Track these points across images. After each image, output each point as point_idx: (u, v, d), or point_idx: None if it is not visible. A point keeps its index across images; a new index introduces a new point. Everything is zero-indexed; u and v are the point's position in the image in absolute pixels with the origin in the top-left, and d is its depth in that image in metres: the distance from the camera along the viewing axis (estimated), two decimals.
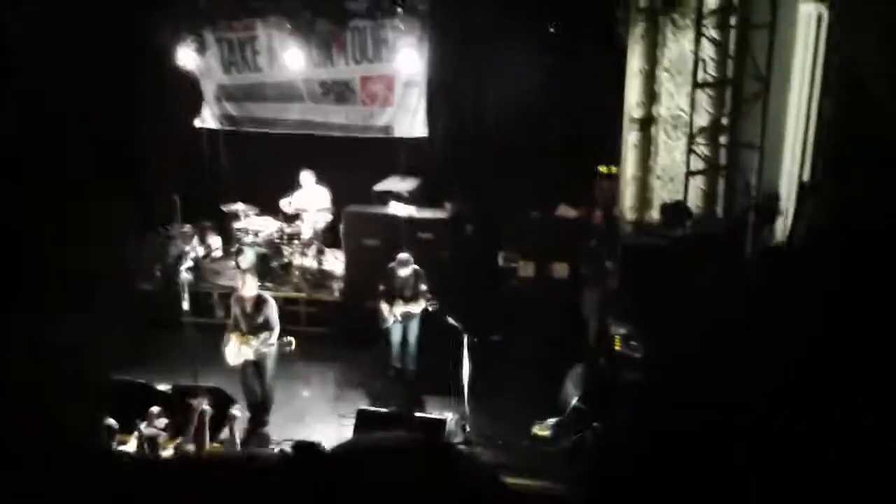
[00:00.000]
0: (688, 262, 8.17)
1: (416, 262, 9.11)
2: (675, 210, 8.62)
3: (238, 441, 7.00)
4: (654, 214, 8.91)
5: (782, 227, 7.84)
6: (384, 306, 8.39)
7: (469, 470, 1.91)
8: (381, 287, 8.49)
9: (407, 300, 8.33)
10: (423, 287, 8.33)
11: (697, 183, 8.75)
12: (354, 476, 1.68)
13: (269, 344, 7.75)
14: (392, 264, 8.44)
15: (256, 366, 7.87)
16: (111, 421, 6.86)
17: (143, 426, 6.78)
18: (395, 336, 8.52)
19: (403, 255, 8.42)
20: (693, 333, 7.72)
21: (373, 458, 1.80)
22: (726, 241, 8.33)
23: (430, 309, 8.20)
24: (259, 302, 7.80)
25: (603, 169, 10.12)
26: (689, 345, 7.62)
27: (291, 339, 7.96)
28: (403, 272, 8.34)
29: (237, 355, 7.74)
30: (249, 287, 7.79)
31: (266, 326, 7.74)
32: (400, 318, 8.41)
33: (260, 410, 8.04)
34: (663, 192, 8.87)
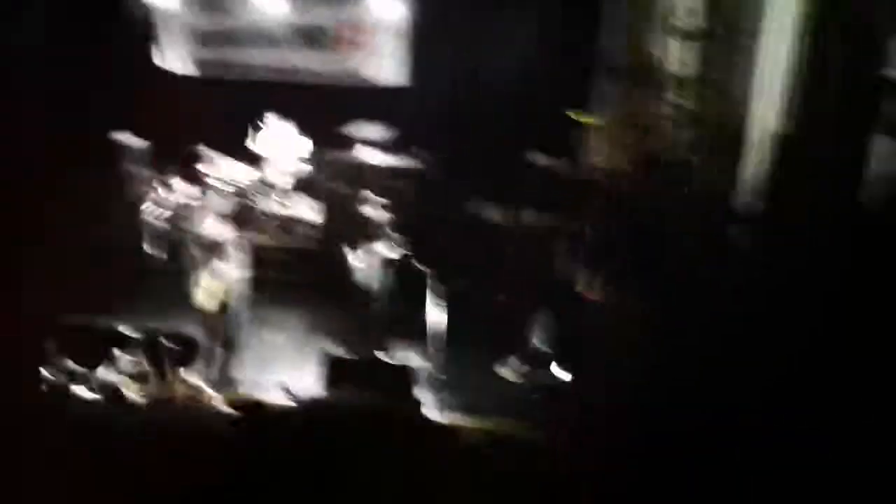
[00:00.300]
0: (656, 212, 8.19)
1: (387, 210, 9.07)
2: (648, 159, 8.60)
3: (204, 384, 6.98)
4: (628, 164, 8.87)
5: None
6: (350, 249, 8.33)
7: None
8: (346, 232, 8.42)
9: (371, 241, 8.26)
10: (389, 232, 8.26)
11: (667, 132, 8.71)
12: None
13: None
14: (359, 196, 8.37)
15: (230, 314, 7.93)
16: (72, 364, 6.84)
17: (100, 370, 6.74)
18: (361, 280, 8.44)
19: (367, 194, 8.33)
20: (664, 280, 7.78)
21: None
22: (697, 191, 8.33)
23: (397, 247, 8.15)
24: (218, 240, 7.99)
25: (574, 115, 10.05)
26: (657, 291, 7.67)
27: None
28: (369, 210, 8.25)
29: (210, 299, 7.77)
30: (214, 226, 8.10)
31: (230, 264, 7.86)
32: (365, 262, 8.32)
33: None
34: (633, 141, 8.83)
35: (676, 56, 8.54)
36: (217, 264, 7.77)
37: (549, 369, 7.44)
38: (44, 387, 6.63)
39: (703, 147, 8.57)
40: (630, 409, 6.78)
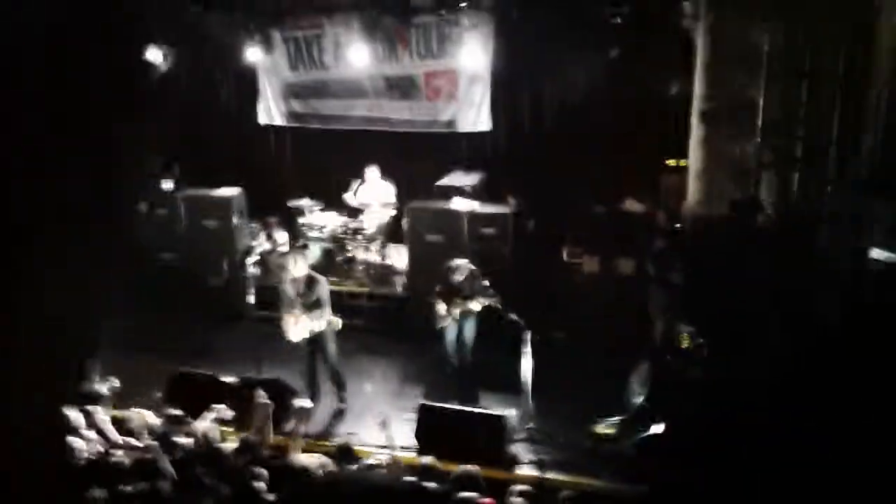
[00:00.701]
0: (758, 259, 7.94)
1: (478, 258, 9.06)
2: (746, 205, 8.38)
3: (302, 433, 7.05)
4: (723, 209, 8.65)
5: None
6: (440, 306, 8.30)
7: None
8: (438, 287, 8.41)
9: (464, 299, 8.21)
10: (483, 283, 8.23)
11: (769, 177, 8.48)
12: None
13: (323, 319, 7.98)
14: (448, 264, 8.34)
15: (317, 345, 8.15)
16: (178, 412, 7.03)
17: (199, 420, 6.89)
18: (450, 335, 8.39)
19: (456, 262, 8.27)
20: (762, 333, 7.51)
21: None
22: (799, 238, 8.05)
23: (491, 305, 8.10)
24: (311, 281, 8.06)
25: (671, 162, 9.91)
26: (757, 345, 7.40)
27: (338, 319, 8.10)
28: (458, 277, 8.19)
29: (297, 331, 7.98)
30: (300, 268, 8.03)
31: (318, 304, 7.98)
32: (457, 317, 8.29)
33: (318, 391, 8.34)
34: (732, 187, 8.61)
35: (774, 98, 8.35)
36: (302, 298, 7.99)
37: (646, 424, 7.23)
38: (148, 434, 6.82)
39: (806, 193, 8.32)
40: (728, 466, 6.53)
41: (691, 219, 9.01)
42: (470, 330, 8.37)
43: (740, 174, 8.63)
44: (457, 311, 8.24)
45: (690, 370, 7.55)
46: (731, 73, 8.57)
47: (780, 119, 8.34)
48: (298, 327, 7.98)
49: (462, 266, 8.24)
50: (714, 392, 7.43)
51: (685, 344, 7.83)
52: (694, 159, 9.02)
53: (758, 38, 8.26)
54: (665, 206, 9.84)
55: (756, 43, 8.29)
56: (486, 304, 8.11)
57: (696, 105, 8.88)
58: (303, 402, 7.40)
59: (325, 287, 8.09)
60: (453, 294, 8.25)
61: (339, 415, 8.25)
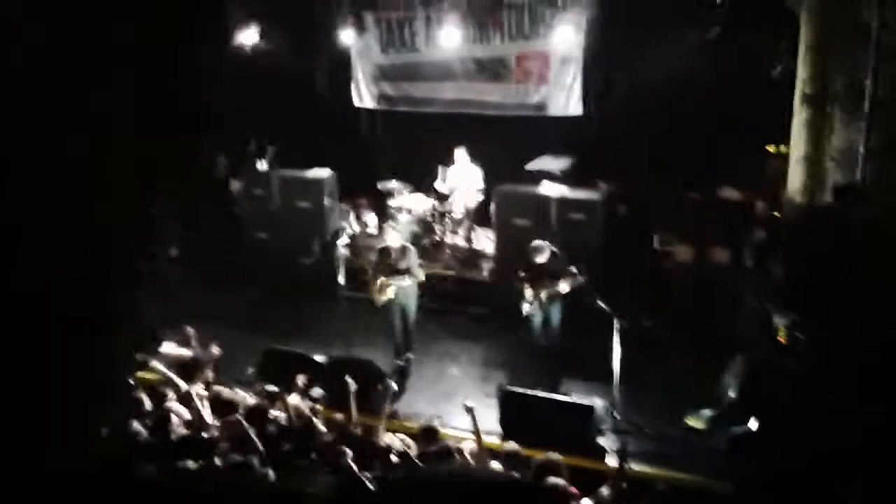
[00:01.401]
0: (861, 250, 7.58)
1: (567, 243, 8.95)
2: (849, 193, 7.99)
3: (388, 413, 7.13)
4: (826, 197, 8.29)
5: None
6: (527, 291, 8.26)
7: None
8: (521, 273, 8.34)
9: (549, 281, 8.13)
10: (568, 267, 8.13)
11: (876, 164, 8.06)
12: None
13: (412, 280, 8.56)
14: (530, 245, 8.27)
15: (401, 307, 8.69)
16: (272, 387, 7.20)
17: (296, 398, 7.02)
18: (537, 320, 8.34)
19: (536, 243, 8.22)
20: (864, 327, 7.18)
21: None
22: None
23: (579, 286, 7.98)
24: (403, 250, 8.63)
25: (772, 148, 9.53)
26: (856, 340, 7.08)
27: (421, 272, 8.72)
28: (540, 259, 8.15)
29: (383, 294, 8.55)
30: (393, 238, 8.68)
31: (407, 271, 8.52)
32: (544, 300, 8.23)
33: (402, 349, 8.82)
34: (836, 174, 8.23)
35: (883, 80, 7.91)
36: (393, 265, 8.56)
37: (739, 418, 7.03)
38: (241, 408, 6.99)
39: None
40: (823, 464, 6.30)
41: (791, 207, 8.66)
42: (556, 314, 8.31)
43: (844, 161, 8.24)
44: (543, 295, 8.17)
45: (787, 364, 7.29)
46: (836, 54, 8.16)
47: (888, 102, 7.90)
48: (386, 290, 8.48)
49: (543, 246, 8.18)
50: (810, 388, 7.16)
51: (782, 337, 7.57)
52: (796, 145, 8.65)
53: (865, 15, 7.83)
54: (765, 193, 9.49)
55: (863, 20, 7.86)
56: (573, 286, 8.00)
57: (800, 88, 8.49)
58: (389, 383, 7.48)
59: (414, 256, 8.63)
60: (537, 278, 8.18)
61: (427, 396, 8.31)
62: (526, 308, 8.33)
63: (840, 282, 7.55)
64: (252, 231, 11.22)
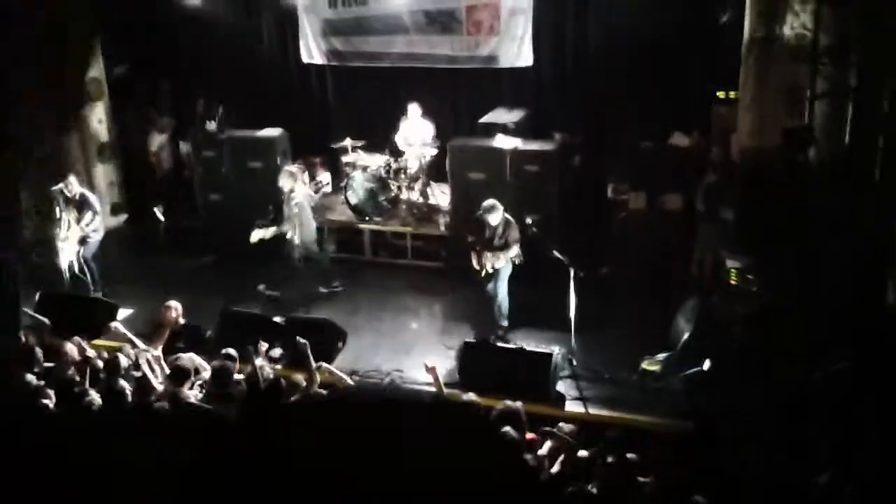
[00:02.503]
0: (810, 193, 7.73)
1: (522, 195, 8.97)
2: (797, 136, 8.11)
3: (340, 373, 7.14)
4: (775, 141, 8.40)
5: None
6: (474, 258, 8.18)
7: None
8: (470, 238, 8.27)
9: (496, 250, 8.06)
10: (515, 235, 8.05)
11: (822, 107, 8.18)
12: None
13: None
14: (479, 212, 8.16)
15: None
16: (232, 351, 7.15)
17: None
18: (489, 287, 8.29)
19: (489, 202, 8.15)
20: (814, 268, 7.34)
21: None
22: (853, 169, 7.79)
23: (531, 232, 8.01)
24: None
25: (721, 94, 9.60)
26: (809, 280, 7.25)
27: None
28: (493, 219, 8.04)
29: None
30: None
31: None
32: (490, 270, 8.14)
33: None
34: (785, 117, 8.33)
35: (828, 24, 7.99)
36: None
37: (693, 360, 7.18)
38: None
39: (860, 123, 8.01)
40: (776, 402, 6.49)
41: (741, 151, 8.77)
42: (502, 287, 8.23)
43: (792, 105, 8.34)
44: (489, 264, 8.11)
45: (739, 306, 7.46)
46: None
47: (833, 45, 7.99)
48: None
49: (496, 205, 8.08)
50: (763, 328, 7.34)
51: (734, 280, 7.72)
52: (744, 90, 8.73)
53: None
54: (715, 139, 9.59)
55: None
56: (531, 238, 8.01)
57: (748, 33, 8.54)
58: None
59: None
60: (486, 244, 8.10)
61: (386, 352, 8.35)
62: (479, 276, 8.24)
63: (790, 223, 7.71)
64: (205, 194, 11.04)
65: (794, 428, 6.19)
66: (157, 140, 12.28)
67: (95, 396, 6.13)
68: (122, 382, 6.43)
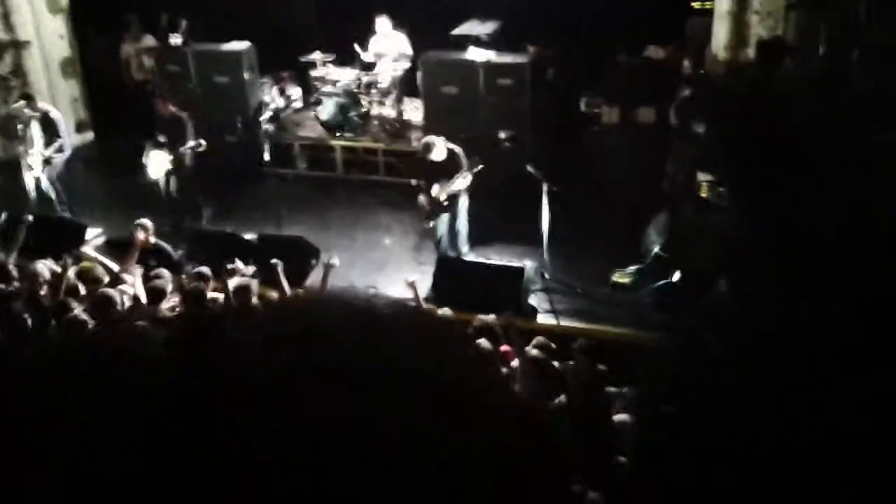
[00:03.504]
0: (785, 104, 7.70)
1: (495, 110, 8.85)
2: (773, 48, 8.04)
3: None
4: (751, 53, 8.33)
5: None
6: (422, 199, 7.95)
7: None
8: (414, 182, 8.07)
9: (449, 186, 7.80)
10: (464, 163, 7.79)
11: (797, 17, 8.09)
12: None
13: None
14: (420, 154, 7.93)
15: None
16: (205, 269, 7.10)
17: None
18: (442, 227, 8.10)
19: (428, 139, 7.91)
20: (786, 183, 7.39)
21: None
22: (828, 81, 7.76)
23: (505, 147, 7.91)
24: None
25: (696, 4, 9.46)
26: (779, 195, 7.31)
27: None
28: (437, 156, 7.77)
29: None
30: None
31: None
32: (444, 204, 7.91)
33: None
34: (760, 29, 8.24)
35: None
36: None
37: (663, 273, 7.28)
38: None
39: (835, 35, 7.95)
40: (745, 314, 6.59)
41: (715, 64, 8.69)
42: (462, 221, 8.08)
43: (767, 16, 8.24)
44: (442, 197, 7.90)
45: (709, 219, 7.51)
46: None
47: None
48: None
49: (436, 142, 7.81)
50: (732, 240, 7.41)
51: (704, 193, 7.76)
52: (719, 1, 8.60)
53: None
54: (689, 51, 9.48)
55: None
56: (503, 152, 7.91)
57: None
58: (331, 258, 7.37)
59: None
60: (432, 180, 7.87)
61: (360, 269, 8.35)
62: (427, 222, 8.11)
63: (763, 137, 7.71)
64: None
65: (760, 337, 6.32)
66: (130, 49, 11.90)
67: (80, 311, 6.07)
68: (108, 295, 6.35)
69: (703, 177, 7.79)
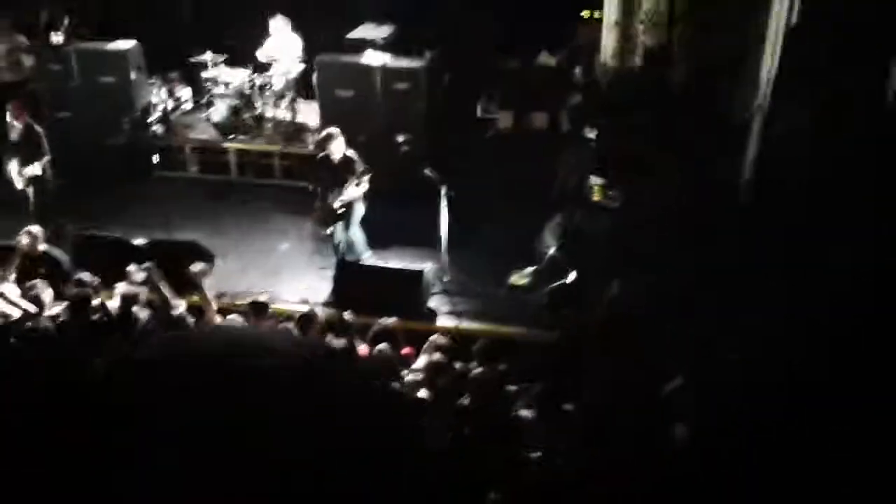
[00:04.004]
0: (670, 109, 8.04)
1: (392, 114, 8.86)
2: (659, 57, 8.39)
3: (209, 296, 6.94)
4: (637, 61, 8.65)
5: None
6: (316, 207, 7.90)
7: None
8: (310, 187, 8.02)
9: (344, 191, 7.74)
10: (360, 167, 7.72)
11: (680, 27, 8.46)
12: None
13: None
14: (321, 155, 7.88)
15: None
16: (87, 276, 6.81)
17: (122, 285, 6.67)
18: (339, 234, 8.03)
19: (326, 132, 7.83)
20: (673, 186, 7.70)
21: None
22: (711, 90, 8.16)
23: (402, 151, 7.93)
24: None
25: (585, 14, 9.76)
26: (669, 196, 7.60)
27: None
28: (336, 149, 7.72)
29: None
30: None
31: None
32: (339, 212, 7.86)
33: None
34: (646, 38, 8.58)
35: None
36: None
37: (559, 273, 7.47)
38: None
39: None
40: (639, 310, 6.83)
41: (605, 71, 8.99)
42: (354, 225, 7.99)
43: (653, 25, 8.58)
44: (336, 206, 7.83)
45: (602, 221, 7.76)
46: None
47: None
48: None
49: (334, 134, 7.72)
50: (624, 242, 7.68)
51: (597, 196, 8.01)
52: (608, 11, 8.89)
53: None
54: (580, 59, 9.78)
55: None
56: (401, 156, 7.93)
57: None
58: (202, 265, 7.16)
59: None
60: (335, 182, 7.78)
61: (255, 274, 8.20)
62: (325, 231, 8.06)
63: (651, 140, 8.02)
64: (51, 112, 10.26)
65: (653, 334, 6.54)
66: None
67: None
68: None
69: (594, 180, 8.04)
